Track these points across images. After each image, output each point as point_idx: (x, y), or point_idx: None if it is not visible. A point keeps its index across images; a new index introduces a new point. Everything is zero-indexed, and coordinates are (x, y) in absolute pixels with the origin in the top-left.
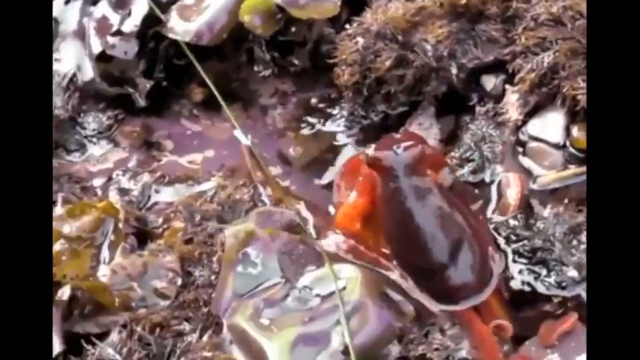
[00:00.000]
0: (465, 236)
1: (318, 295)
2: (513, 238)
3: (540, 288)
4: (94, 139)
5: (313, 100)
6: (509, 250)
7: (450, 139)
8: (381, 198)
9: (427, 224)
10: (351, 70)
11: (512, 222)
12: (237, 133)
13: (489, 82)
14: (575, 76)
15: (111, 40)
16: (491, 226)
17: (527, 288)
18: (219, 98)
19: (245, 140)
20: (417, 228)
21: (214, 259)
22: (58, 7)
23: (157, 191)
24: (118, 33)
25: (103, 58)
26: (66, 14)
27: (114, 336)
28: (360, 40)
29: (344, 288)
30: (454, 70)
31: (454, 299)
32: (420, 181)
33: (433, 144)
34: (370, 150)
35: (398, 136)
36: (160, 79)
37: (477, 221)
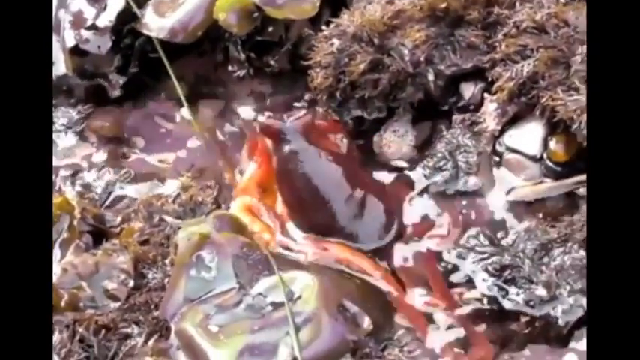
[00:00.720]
0: (363, 194)
1: (272, 303)
2: (481, 254)
3: (507, 305)
4: (62, 134)
5: (289, 103)
6: (477, 268)
7: (425, 147)
8: (275, 165)
9: (322, 186)
10: (325, 72)
11: (481, 237)
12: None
13: (467, 89)
14: (555, 86)
15: (85, 34)
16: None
17: (494, 306)
18: (181, 95)
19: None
20: (313, 190)
21: (167, 261)
22: None
23: (121, 189)
24: (93, 27)
25: (76, 52)
26: None
27: (55, 336)
28: (336, 42)
29: (299, 297)
30: (431, 77)
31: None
32: (310, 146)
33: (406, 151)
34: (262, 117)
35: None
36: (135, 74)
37: (371, 180)
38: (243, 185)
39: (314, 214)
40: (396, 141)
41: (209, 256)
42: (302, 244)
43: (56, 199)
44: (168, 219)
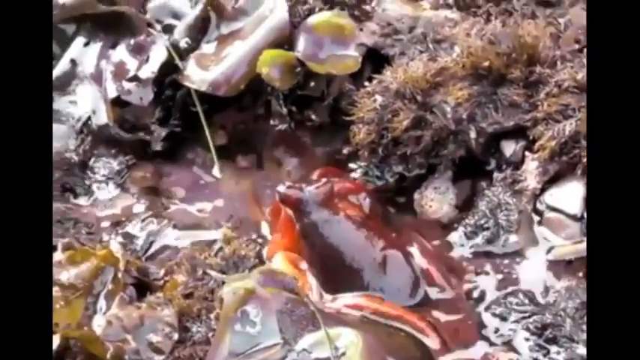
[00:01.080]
0: (387, 254)
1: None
2: (522, 313)
3: None
4: (103, 184)
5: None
6: (518, 327)
7: (466, 205)
8: (299, 234)
9: (346, 252)
10: (368, 128)
11: (521, 296)
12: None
13: (509, 147)
14: None
15: (127, 85)
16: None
17: None
18: (213, 151)
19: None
20: (337, 257)
21: (212, 315)
22: (76, 49)
23: (162, 240)
24: (135, 79)
25: (118, 103)
26: (84, 56)
27: None
28: (379, 98)
29: (343, 353)
30: (473, 134)
31: None
32: (331, 215)
33: (448, 210)
34: (282, 187)
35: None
36: (175, 126)
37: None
38: (270, 251)
39: (339, 279)
40: (436, 198)
41: (254, 311)
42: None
43: (100, 251)
44: (213, 273)
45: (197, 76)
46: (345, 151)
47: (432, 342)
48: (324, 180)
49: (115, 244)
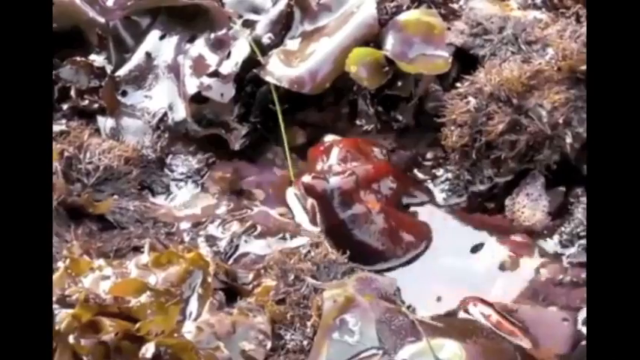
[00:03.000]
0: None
1: None
2: None
3: None
4: (182, 183)
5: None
6: None
7: (560, 213)
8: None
9: (365, 243)
10: (461, 131)
11: None
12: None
13: None
14: None
15: (207, 81)
16: None
17: None
18: (287, 150)
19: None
20: (357, 246)
21: (308, 323)
22: (151, 42)
23: (246, 242)
24: (215, 74)
25: (197, 99)
26: (160, 50)
27: None
28: (472, 100)
29: None
30: (569, 139)
31: None
32: (353, 207)
33: (541, 217)
34: (306, 177)
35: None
36: (255, 124)
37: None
38: None
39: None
40: (529, 205)
41: (353, 320)
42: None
43: (189, 254)
44: (310, 280)
45: (280, 72)
46: (429, 155)
47: (525, 342)
48: (348, 171)
49: (204, 247)
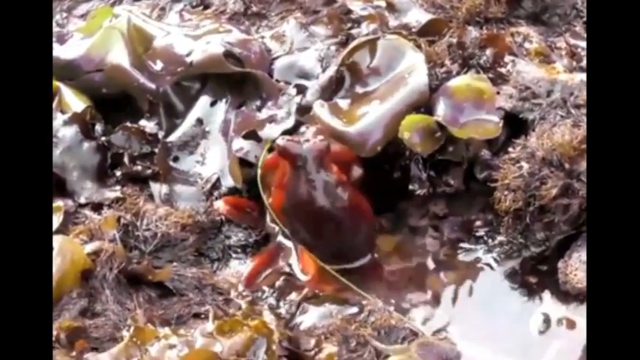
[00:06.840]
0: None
1: None
2: None
3: None
4: (238, 249)
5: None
6: None
7: None
8: (287, 182)
9: (325, 210)
10: (514, 195)
11: None
12: None
13: None
14: None
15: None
16: None
17: None
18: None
19: None
20: (315, 212)
21: None
22: (202, 108)
23: (304, 311)
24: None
25: (247, 163)
26: (211, 116)
27: None
28: (525, 165)
29: None
30: None
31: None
32: (323, 173)
33: None
34: (281, 139)
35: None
36: None
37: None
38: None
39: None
40: (581, 267)
41: None
42: None
43: (252, 322)
44: (378, 345)
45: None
46: (479, 222)
47: None
48: (321, 137)
49: (268, 315)
